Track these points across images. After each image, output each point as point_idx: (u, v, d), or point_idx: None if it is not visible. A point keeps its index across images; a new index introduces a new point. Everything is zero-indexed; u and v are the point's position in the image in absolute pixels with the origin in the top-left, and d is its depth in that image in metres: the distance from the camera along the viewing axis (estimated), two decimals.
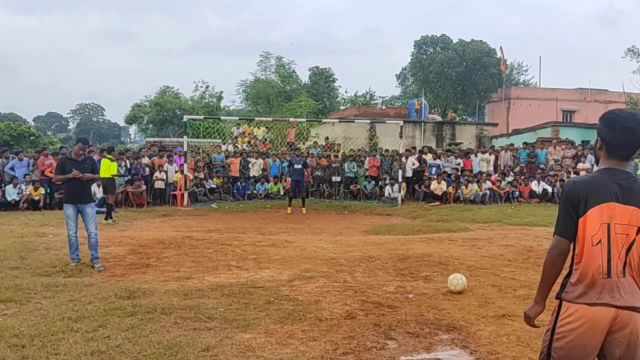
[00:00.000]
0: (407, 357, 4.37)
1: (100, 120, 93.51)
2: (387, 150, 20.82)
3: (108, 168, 13.18)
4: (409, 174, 19.29)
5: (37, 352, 4.23)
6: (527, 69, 53.21)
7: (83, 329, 4.81)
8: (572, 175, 17.77)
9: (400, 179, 18.31)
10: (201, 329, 4.91)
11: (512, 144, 22.04)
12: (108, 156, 13.73)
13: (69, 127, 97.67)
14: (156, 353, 4.25)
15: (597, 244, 2.54)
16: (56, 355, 4.17)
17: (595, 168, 2.73)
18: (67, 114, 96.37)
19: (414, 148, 22.14)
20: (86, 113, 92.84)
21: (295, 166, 16.21)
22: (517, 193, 18.42)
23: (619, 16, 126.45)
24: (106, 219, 12.92)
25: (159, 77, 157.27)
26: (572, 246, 2.63)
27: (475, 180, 18.58)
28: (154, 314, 5.26)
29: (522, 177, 19.08)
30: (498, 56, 40.60)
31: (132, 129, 74.68)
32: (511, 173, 19.48)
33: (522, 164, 20.49)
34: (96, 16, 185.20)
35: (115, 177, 13.95)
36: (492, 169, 20.26)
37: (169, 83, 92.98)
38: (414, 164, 19.38)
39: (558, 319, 2.58)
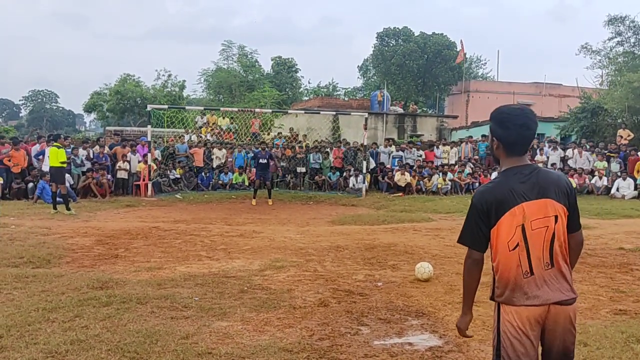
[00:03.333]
0: (381, 342, 4.56)
1: (54, 107, 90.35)
2: (354, 142, 21.08)
3: (57, 156, 12.52)
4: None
5: (16, 342, 4.22)
6: (486, 63, 54.45)
7: (59, 319, 4.81)
8: None
9: (364, 170, 18.61)
10: (178, 318, 4.98)
11: (470, 136, 22.64)
12: (55, 144, 12.92)
13: (20, 115, 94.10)
14: (136, 342, 4.30)
15: (514, 248, 2.58)
16: (35, 345, 4.17)
17: (504, 167, 2.72)
18: (19, 100, 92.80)
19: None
20: (39, 100, 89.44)
21: (261, 160, 16.28)
22: (477, 184, 18.96)
23: (569, 11, 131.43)
24: (68, 209, 12.67)
25: (115, 63, 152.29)
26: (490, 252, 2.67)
27: (439, 172, 19.04)
28: (129, 304, 5.30)
29: (482, 169, 19.66)
30: (458, 49, 41.37)
31: (88, 117, 72.70)
32: (470, 165, 20.05)
33: (482, 156, 21.09)
34: None
35: (65, 165, 13.09)
36: (453, 161, 20.78)
37: (125, 70, 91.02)
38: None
39: (500, 320, 2.66)
